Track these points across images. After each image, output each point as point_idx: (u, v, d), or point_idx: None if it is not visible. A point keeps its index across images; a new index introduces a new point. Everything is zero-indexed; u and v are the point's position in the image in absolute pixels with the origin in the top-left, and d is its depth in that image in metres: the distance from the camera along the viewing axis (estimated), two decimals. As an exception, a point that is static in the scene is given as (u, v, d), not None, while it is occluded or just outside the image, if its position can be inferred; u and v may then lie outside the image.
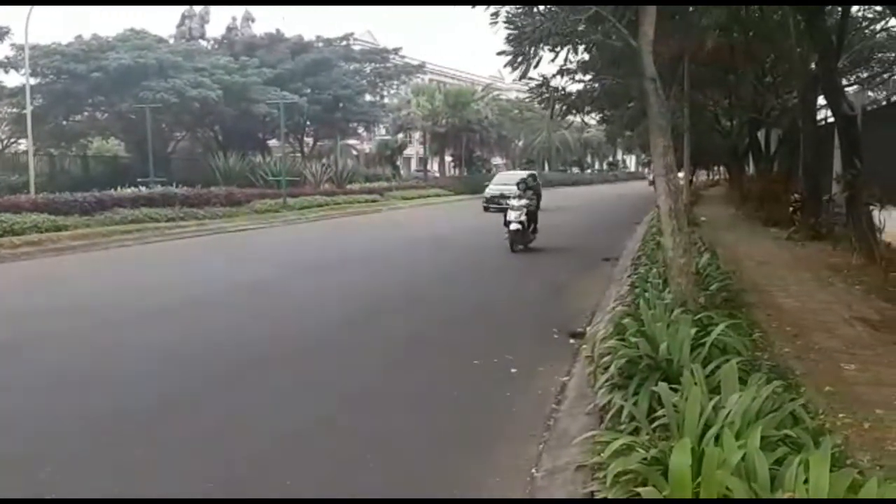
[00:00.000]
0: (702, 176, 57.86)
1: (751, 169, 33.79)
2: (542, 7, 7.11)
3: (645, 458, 3.14)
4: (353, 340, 7.95)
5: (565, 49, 8.26)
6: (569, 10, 6.81)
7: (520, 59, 7.60)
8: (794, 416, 3.92)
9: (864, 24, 18.96)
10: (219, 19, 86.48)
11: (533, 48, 7.40)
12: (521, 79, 8.99)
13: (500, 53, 7.64)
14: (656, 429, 3.77)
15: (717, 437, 3.16)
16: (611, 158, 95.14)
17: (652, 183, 47.72)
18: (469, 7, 7.55)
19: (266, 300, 10.57)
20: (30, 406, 5.65)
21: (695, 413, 3.39)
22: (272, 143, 44.43)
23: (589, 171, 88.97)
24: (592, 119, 35.85)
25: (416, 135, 58.42)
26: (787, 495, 2.60)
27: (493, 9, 7.39)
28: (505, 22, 7.38)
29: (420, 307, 10.05)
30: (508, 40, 7.50)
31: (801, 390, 4.99)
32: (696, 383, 3.77)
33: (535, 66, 7.60)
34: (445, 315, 9.49)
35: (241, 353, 7.29)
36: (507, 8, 7.37)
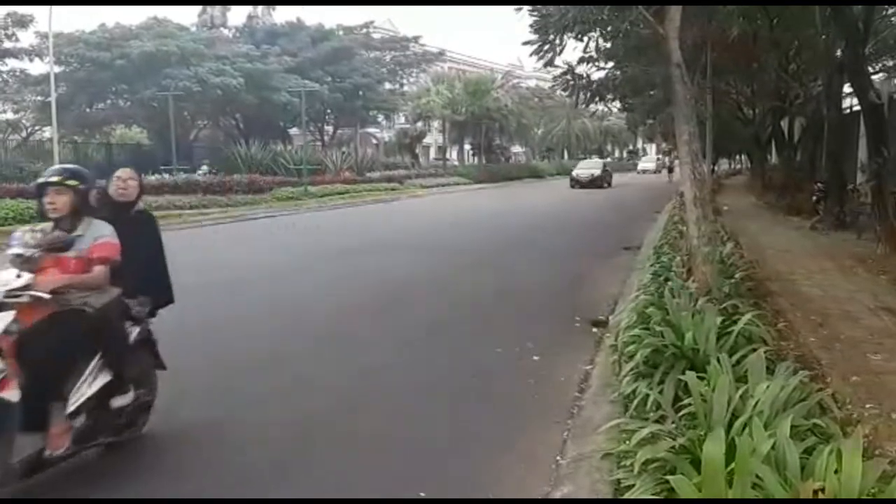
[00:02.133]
0: (723, 165, 57.39)
1: (773, 158, 33.45)
2: (568, -6, 7.10)
3: (673, 447, 3.15)
4: (375, 327, 7.98)
5: (590, 37, 8.22)
6: (595, -1, 6.81)
7: (546, 47, 7.57)
8: (821, 406, 3.91)
9: (891, 11, 18.67)
10: (240, 8, 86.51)
11: (558, 36, 7.38)
12: (546, 66, 8.96)
13: (525, 43, 7.63)
14: (682, 417, 3.78)
15: (745, 427, 3.16)
16: (631, 147, 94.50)
17: (669, 171, 48.14)
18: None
19: (280, 288, 10.63)
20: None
21: (723, 402, 3.39)
22: (293, 131, 44.64)
23: (609, 159, 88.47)
24: (614, 107, 35.71)
25: (435, 123, 58.34)
26: (817, 485, 2.60)
27: (518, -3, 7.37)
28: (530, 10, 7.36)
29: (441, 293, 10.07)
30: (533, 29, 7.48)
31: (827, 380, 4.98)
32: (723, 372, 3.76)
33: (560, 54, 7.61)
34: (467, 301, 9.52)
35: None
36: (534, -3, 7.35)
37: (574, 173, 44.45)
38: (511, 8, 7.79)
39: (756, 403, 3.35)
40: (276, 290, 10.33)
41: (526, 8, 7.33)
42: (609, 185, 44.29)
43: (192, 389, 5.49)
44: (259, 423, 5.02)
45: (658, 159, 62.06)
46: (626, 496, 3.25)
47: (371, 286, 10.64)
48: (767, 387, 3.48)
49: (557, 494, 3.78)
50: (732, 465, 2.66)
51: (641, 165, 66.16)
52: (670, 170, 49.75)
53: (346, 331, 7.85)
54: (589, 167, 46.45)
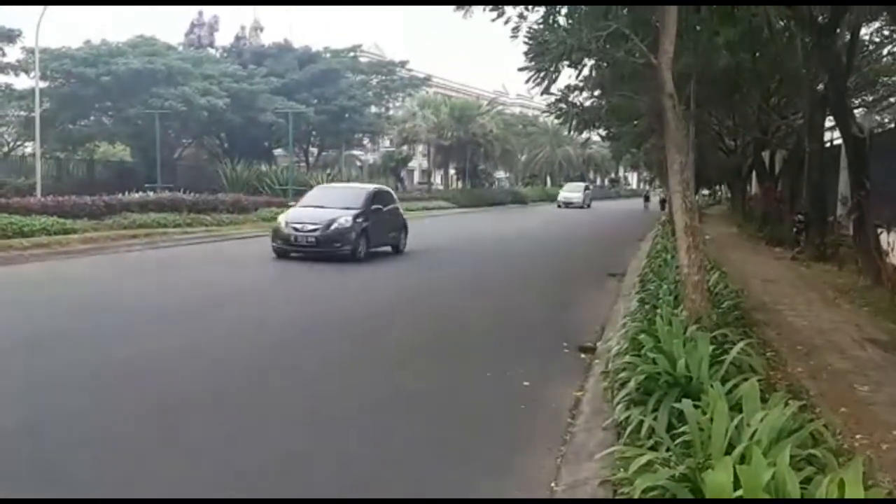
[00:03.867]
0: (703, 195, 57.98)
1: (753, 189, 33.86)
2: (564, 22, 7.18)
3: (673, 475, 3.16)
4: (360, 352, 7.92)
5: (584, 65, 8.33)
6: (591, 26, 6.89)
7: (542, 74, 7.66)
8: (812, 437, 3.94)
9: (872, 47, 19.10)
10: (228, 28, 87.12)
11: (554, 64, 7.46)
12: (542, 94, 9.06)
13: (521, 69, 7.71)
14: (678, 445, 3.79)
15: (744, 456, 3.17)
16: (613, 175, 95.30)
17: (646, 199, 50.91)
18: (480, 19, 7.62)
19: (262, 308, 10.56)
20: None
21: (721, 431, 3.41)
22: (277, 152, 44.59)
23: (591, 186, 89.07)
24: (596, 136, 36.05)
25: (420, 147, 58.57)
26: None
27: (513, 23, 7.48)
28: (526, 36, 7.46)
29: (428, 318, 10.05)
30: (529, 56, 7.56)
31: (816, 410, 5.02)
32: (719, 401, 3.78)
33: (556, 81, 7.69)
34: (455, 327, 9.50)
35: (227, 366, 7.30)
36: (528, 22, 7.46)
37: (561, 196, 53.01)
38: (498, 34, 7.92)
39: (754, 433, 3.37)
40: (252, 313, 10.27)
41: (522, 35, 7.45)
42: (589, 206, 52.02)
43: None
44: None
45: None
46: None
47: (354, 309, 10.60)
48: (765, 416, 3.50)
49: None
50: (735, 494, 2.67)
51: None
52: (647, 198, 52.40)
53: (328, 355, 7.80)
54: (573, 190, 55.43)
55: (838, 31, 14.31)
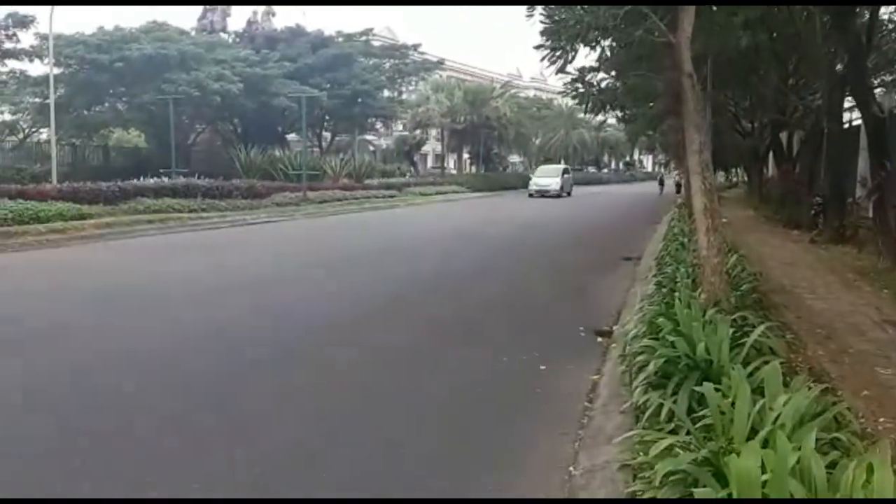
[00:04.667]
0: (719, 177, 57.42)
1: (770, 171, 33.51)
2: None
3: (695, 459, 3.11)
4: (378, 334, 7.92)
5: (601, 44, 8.20)
6: (609, 5, 6.76)
7: (557, 53, 7.54)
8: (836, 420, 3.88)
9: (892, 26, 18.77)
10: (240, 13, 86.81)
11: (570, 43, 7.35)
12: (557, 73, 8.95)
13: (537, 47, 7.61)
14: (698, 429, 3.73)
15: (766, 440, 3.12)
16: (627, 158, 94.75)
17: (661, 183, 47.44)
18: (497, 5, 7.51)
19: (281, 292, 10.56)
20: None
21: (744, 414, 3.35)
22: (291, 137, 44.57)
23: (605, 170, 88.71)
24: (612, 118, 35.75)
25: (434, 131, 58.37)
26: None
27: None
28: (542, 15, 7.33)
29: (443, 302, 10.02)
30: (544, 35, 7.44)
31: (838, 394, 4.94)
32: (741, 384, 3.72)
33: (572, 61, 7.57)
34: (470, 311, 9.46)
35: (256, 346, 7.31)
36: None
37: (532, 183, 43.16)
38: (513, 17, 7.83)
39: (777, 417, 3.31)
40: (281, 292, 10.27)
41: (538, 13, 7.31)
42: (569, 194, 43.26)
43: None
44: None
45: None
46: None
47: (373, 294, 10.59)
48: (788, 399, 3.44)
49: None
50: (762, 478, 2.62)
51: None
52: (661, 182, 49.50)
53: (349, 338, 7.80)
54: (548, 174, 44.51)
55: (857, 9, 14.08)
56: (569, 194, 43.07)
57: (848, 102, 17.26)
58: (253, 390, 5.83)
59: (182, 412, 5.27)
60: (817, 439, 3.26)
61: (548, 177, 43.53)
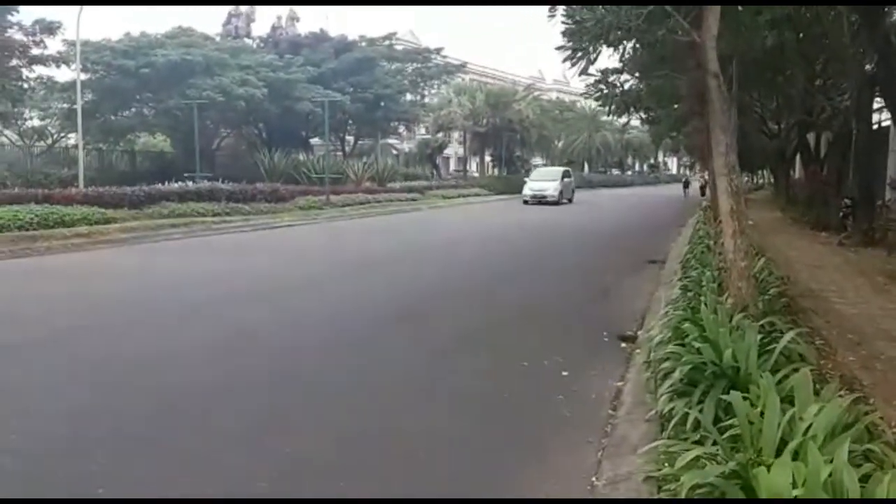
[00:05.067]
0: (745, 179, 56.74)
1: (797, 173, 33.07)
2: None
3: (723, 472, 3.00)
4: (401, 339, 7.88)
5: (624, 45, 8.08)
6: (631, 5, 6.66)
7: (579, 54, 7.45)
8: (868, 430, 3.75)
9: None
10: (264, 18, 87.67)
11: (592, 43, 7.25)
12: (580, 75, 8.86)
13: (558, 48, 7.53)
14: (725, 439, 3.63)
15: (798, 452, 3.01)
16: (652, 160, 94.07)
17: (686, 185, 46.52)
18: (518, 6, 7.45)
19: (308, 297, 10.55)
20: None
21: (773, 425, 3.25)
22: (314, 141, 44.77)
23: (630, 172, 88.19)
24: (635, 120, 35.47)
25: (456, 134, 58.34)
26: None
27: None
28: (564, 16, 7.24)
29: (466, 305, 9.95)
30: (566, 35, 7.35)
31: (871, 402, 4.80)
32: (770, 393, 3.61)
33: (594, 62, 7.48)
34: (492, 314, 9.39)
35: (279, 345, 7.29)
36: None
37: (526, 188, 37.71)
38: (536, 19, 7.76)
39: (808, 427, 3.20)
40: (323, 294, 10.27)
41: (560, 13, 7.21)
42: (570, 200, 38.31)
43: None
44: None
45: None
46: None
47: (395, 297, 10.55)
48: (820, 410, 3.32)
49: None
50: (793, 493, 2.52)
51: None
52: (686, 184, 48.70)
53: (373, 339, 7.75)
54: (545, 177, 39.03)
55: (886, 9, 13.82)
56: (570, 201, 38.32)
57: (877, 103, 16.95)
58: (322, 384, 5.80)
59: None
60: (850, 451, 3.14)
61: (545, 180, 38.19)
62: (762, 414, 3.44)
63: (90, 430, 4.96)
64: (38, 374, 6.35)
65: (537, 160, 71.68)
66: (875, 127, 18.36)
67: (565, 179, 38.96)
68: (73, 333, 7.88)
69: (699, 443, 3.74)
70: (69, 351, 7.15)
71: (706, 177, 26.72)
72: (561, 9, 7.33)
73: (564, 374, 6.37)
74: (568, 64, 7.81)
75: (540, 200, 35.93)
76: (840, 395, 3.89)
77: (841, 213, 16.36)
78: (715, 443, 3.58)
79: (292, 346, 7.49)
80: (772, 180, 44.90)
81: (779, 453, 3.11)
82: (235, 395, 5.81)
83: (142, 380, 6.19)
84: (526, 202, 36.25)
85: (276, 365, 6.71)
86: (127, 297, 10.20)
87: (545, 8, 8.20)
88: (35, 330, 7.98)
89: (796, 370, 4.25)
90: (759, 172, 57.01)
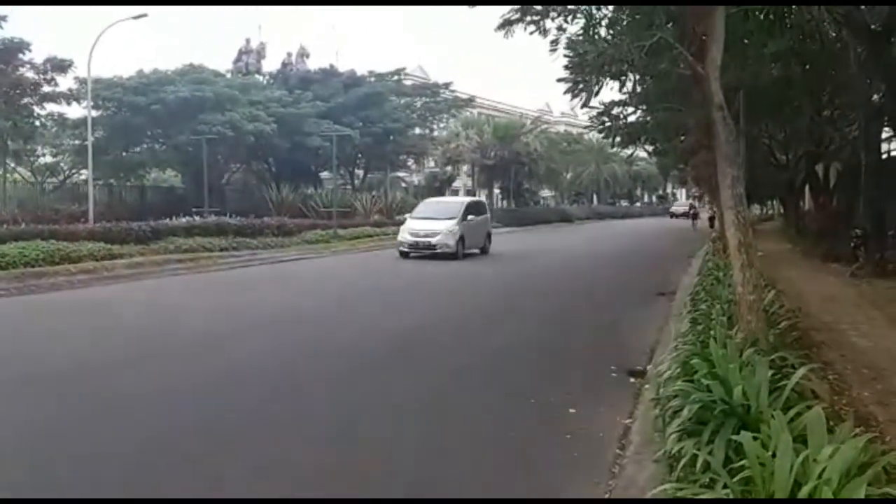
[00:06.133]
0: (754, 210, 56.46)
1: (806, 204, 32.94)
2: (604, 33, 6.97)
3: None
4: (402, 375, 7.75)
5: (627, 78, 8.07)
6: (633, 37, 6.65)
7: (580, 86, 7.43)
8: (885, 470, 3.60)
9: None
10: (274, 55, 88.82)
11: (594, 76, 7.23)
12: (582, 107, 8.84)
13: (560, 80, 7.52)
14: (736, 482, 3.49)
15: (811, 495, 2.88)
16: (660, 191, 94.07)
17: (694, 217, 46.09)
18: (523, 37, 7.48)
19: (293, 334, 10.45)
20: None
21: (786, 467, 3.11)
22: (323, 174, 45.00)
23: (638, 203, 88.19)
24: (642, 151, 35.50)
25: (465, 167, 58.54)
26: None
27: (552, 36, 7.29)
28: (566, 48, 7.24)
29: (472, 339, 9.83)
30: (568, 67, 7.35)
31: (887, 439, 4.64)
32: (782, 433, 3.47)
33: (597, 94, 7.45)
34: (499, 348, 9.25)
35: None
36: (567, 34, 7.25)
37: (402, 233, 23.15)
38: (543, 51, 7.73)
39: (823, 470, 3.07)
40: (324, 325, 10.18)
41: (561, 48, 7.23)
42: (483, 251, 24.36)
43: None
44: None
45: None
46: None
47: (396, 329, 10.43)
48: (835, 450, 3.19)
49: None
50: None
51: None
52: (695, 216, 48.18)
53: (369, 382, 7.63)
54: (432, 215, 23.35)
55: (893, 39, 13.81)
56: (482, 251, 24.46)
57: (886, 132, 16.90)
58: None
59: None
60: (866, 494, 3.01)
61: (433, 219, 22.99)
62: (774, 455, 3.30)
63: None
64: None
65: (545, 192, 71.82)
66: (884, 157, 18.27)
67: (469, 217, 23.78)
68: (71, 370, 7.80)
69: (709, 486, 3.60)
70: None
71: (714, 208, 26.58)
72: (563, 42, 7.35)
73: (571, 411, 6.23)
74: (569, 95, 7.83)
75: (423, 251, 22.32)
76: (855, 435, 3.75)
77: (852, 244, 16.19)
78: (725, 485, 3.45)
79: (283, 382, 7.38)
80: (781, 211, 44.68)
81: (792, 496, 2.97)
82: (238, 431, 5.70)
83: (125, 420, 6.09)
84: (404, 253, 22.81)
85: (276, 399, 6.61)
86: (121, 333, 10.13)
87: (549, 39, 8.25)
88: (35, 367, 7.90)
89: (809, 408, 4.11)
90: (769, 203, 56.80)
